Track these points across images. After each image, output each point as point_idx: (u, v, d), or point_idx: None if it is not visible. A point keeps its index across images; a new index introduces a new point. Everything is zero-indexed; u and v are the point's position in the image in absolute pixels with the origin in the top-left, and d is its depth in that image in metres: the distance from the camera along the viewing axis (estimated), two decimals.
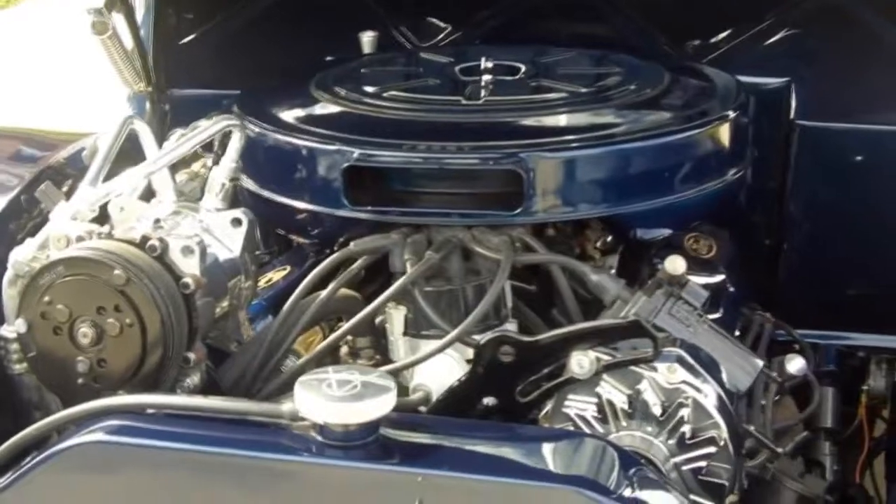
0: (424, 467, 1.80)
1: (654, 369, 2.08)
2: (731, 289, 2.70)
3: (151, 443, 1.88)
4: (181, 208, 2.40)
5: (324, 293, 2.34)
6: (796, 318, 2.90)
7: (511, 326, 2.37)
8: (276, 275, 2.70)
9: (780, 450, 2.42)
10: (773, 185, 2.93)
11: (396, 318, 2.36)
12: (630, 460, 1.86)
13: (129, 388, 2.11)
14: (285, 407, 1.86)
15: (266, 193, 2.49)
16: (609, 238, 2.61)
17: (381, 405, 1.81)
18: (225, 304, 2.33)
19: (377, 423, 1.83)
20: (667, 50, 3.06)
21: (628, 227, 2.46)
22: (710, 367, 2.15)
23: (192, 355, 2.19)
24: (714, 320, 2.41)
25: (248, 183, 2.53)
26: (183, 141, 2.41)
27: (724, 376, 2.18)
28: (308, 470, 1.83)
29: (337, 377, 1.83)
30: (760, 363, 2.25)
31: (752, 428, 2.40)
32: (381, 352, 2.45)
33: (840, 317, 2.93)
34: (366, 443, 1.82)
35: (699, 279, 2.45)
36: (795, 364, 2.68)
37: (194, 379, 2.22)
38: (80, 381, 2.13)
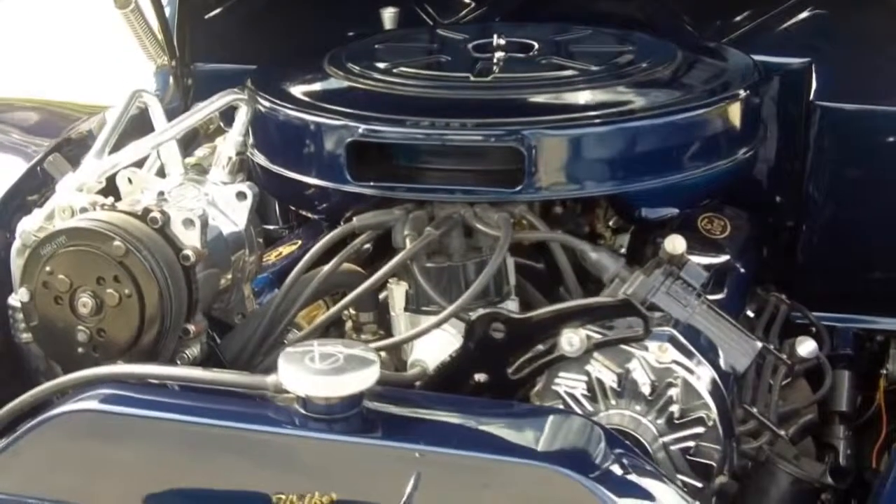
0: (406, 441, 1.82)
1: (645, 348, 2.07)
2: (742, 270, 2.69)
3: (139, 412, 1.91)
4: (188, 181, 2.42)
5: (326, 267, 2.36)
6: (815, 300, 2.88)
7: (512, 304, 2.37)
8: (287, 249, 2.72)
9: (781, 432, 2.42)
10: (793, 165, 2.91)
11: (397, 293, 2.37)
12: (616, 441, 1.86)
13: (127, 357, 2.15)
14: (270, 379, 1.88)
15: (275, 168, 2.50)
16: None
17: (364, 379, 1.83)
18: (228, 276, 2.35)
19: (360, 397, 1.85)
20: (689, 29, 3.04)
21: (634, 206, 2.44)
22: (705, 348, 2.14)
23: (192, 327, 2.22)
24: (717, 301, 2.40)
25: (260, 158, 2.54)
26: (188, 115, 2.44)
27: (721, 357, 2.17)
28: (291, 442, 1.85)
29: (321, 350, 1.85)
30: (759, 345, 2.24)
31: (754, 409, 2.40)
32: (385, 327, 2.46)
33: (859, 300, 2.90)
34: (348, 416, 1.84)
35: (704, 259, 2.45)
36: (806, 347, 2.67)
37: (194, 350, 2.25)
38: (80, 350, 2.17)
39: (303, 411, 1.84)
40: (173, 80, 3.13)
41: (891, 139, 2.84)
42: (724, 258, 2.47)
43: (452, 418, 1.91)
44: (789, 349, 2.67)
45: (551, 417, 1.88)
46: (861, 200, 2.88)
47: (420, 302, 2.34)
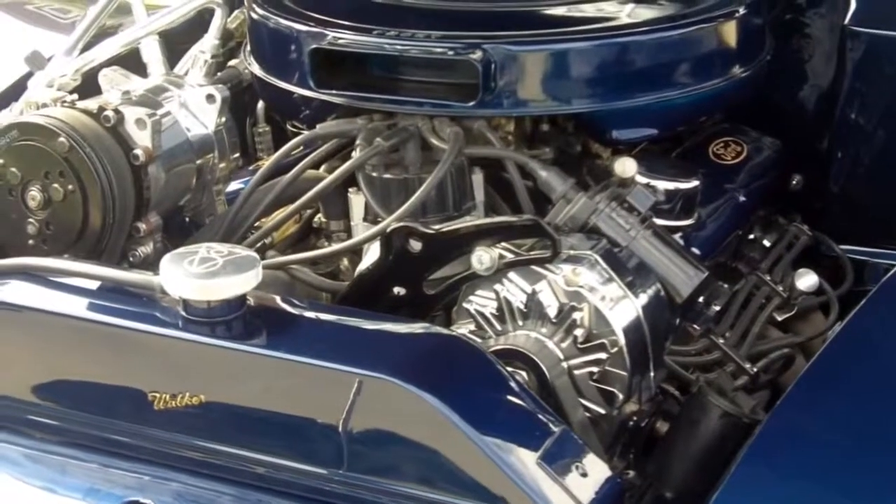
0: (271, 349, 1.83)
1: (560, 270, 2.03)
2: (743, 198, 2.61)
3: (30, 304, 1.96)
4: (166, 83, 2.46)
5: (288, 175, 2.37)
6: (846, 232, 2.79)
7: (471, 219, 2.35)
8: None
9: (747, 364, 2.36)
10: (829, 93, 2.80)
11: (356, 203, 2.37)
12: (485, 360, 1.84)
13: (73, 252, 2.21)
14: (156, 280, 1.91)
15: (260, 74, 2.51)
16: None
17: (241, 283, 1.85)
18: (195, 179, 2.38)
19: (241, 301, 1.86)
20: None
21: (605, 127, 2.38)
22: (635, 274, 2.08)
23: (142, 226, 2.27)
24: (681, 227, 2.35)
25: (254, 67, 2.55)
26: (162, 14, 2.47)
27: (655, 284, 2.11)
28: (169, 342, 1.88)
29: (203, 254, 1.87)
30: (704, 273, 2.17)
31: (720, 341, 2.35)
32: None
33: (892, 233, 2.79)
34: (228, 320, 1.86)
35: (674, 184, 2.38)
36: (806, 281, 2.60)
37: (146, 249, 2.30)
38: (30, 242, 2.25)
39: (184, 313, 1.87)
40: None
41: None
42: (693, 183, 2.38)
43: (324, 328, 1.92)
44: (790, 282, 2.60)
45: (419, 332, 1.88)
46: None
47: (376, 213, 2.34)
